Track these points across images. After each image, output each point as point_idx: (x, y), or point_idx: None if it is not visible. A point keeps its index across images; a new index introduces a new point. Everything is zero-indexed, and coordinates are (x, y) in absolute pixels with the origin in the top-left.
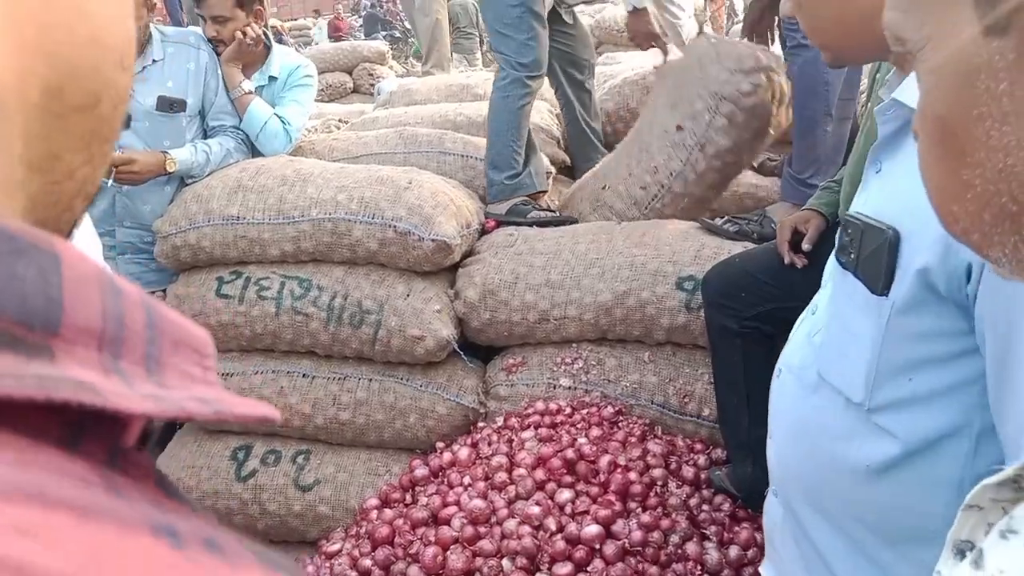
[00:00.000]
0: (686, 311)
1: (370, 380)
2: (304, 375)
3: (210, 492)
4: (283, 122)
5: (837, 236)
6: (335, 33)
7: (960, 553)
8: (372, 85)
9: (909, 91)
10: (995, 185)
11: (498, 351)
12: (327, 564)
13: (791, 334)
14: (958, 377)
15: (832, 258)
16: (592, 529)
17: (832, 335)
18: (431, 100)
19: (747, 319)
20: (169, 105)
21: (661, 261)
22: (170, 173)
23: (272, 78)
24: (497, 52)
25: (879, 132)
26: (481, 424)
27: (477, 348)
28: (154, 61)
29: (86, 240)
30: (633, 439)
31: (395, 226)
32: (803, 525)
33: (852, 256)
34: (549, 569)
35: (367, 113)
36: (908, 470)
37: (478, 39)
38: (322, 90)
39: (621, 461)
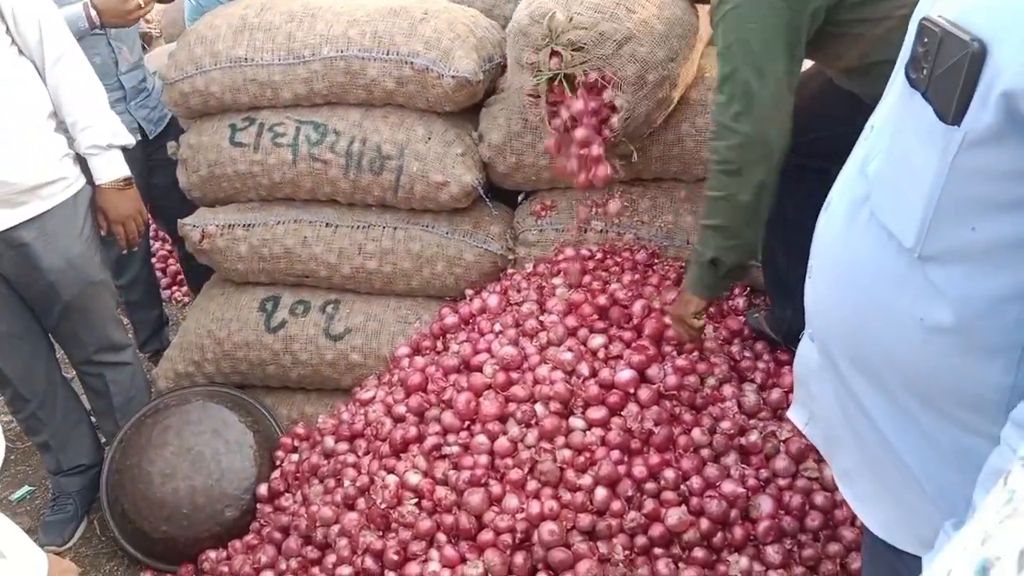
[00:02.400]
0: None
1: (395, 228)
2: (327, 224)
3: (241, 344)
4: None
5: (910, 44)
6: None
7: None
8: None
9: None
10: None
11: (526, 195)
12: (362, 411)
13: (848, 160)
14: None
15: (898, 70)
16: (626, 374)
17: (888, 165)
18: None
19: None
20: None
21: (700, 90)
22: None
23: None
24: None
25: None
26: (511, 270)
27: (504, 193)
28: None
29: (93, 94)
30: (668, 283)
31: (412, 62)
32: (841, 374)
33: (924, 72)
34: (583, 413)
35: None
36: (960, 335)
37: None
38: None
39: (655, 305)
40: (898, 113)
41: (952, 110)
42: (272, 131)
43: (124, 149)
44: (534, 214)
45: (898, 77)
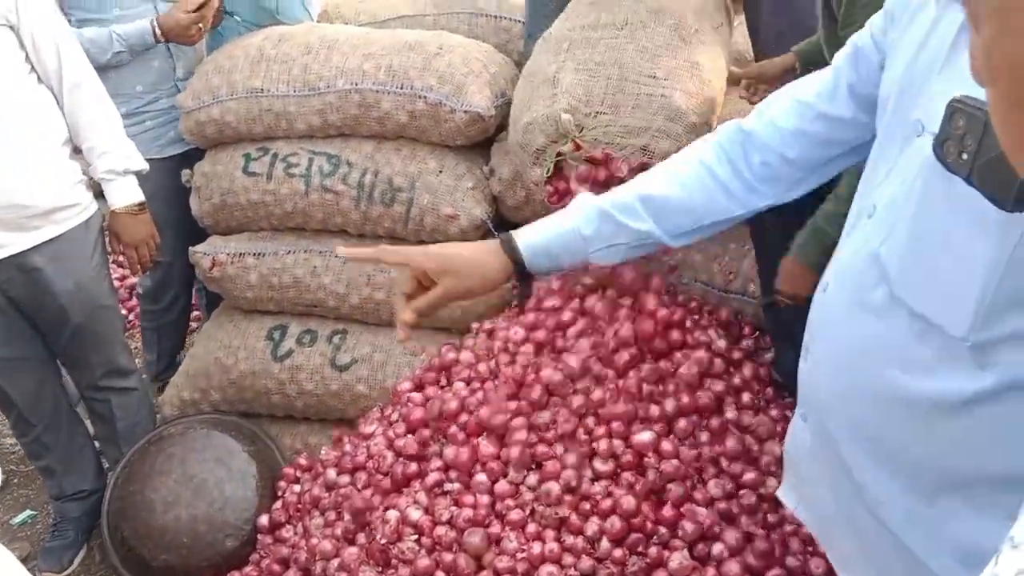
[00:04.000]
0: None
1: None
2: (337, 255)
3: (247, 372)
4: None
5: (935, 125)
6: None
7: None
8: None
9: None
10: None
11: None
12: (364, 444)
13: (841, 240)
14: None
15: (901, 150)
16: (646, 436)
17: (918, 251)
18: None
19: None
20: None
21: (712, 127)
22: None
23: None
24: None
25: None
26: (515, 305)
27: (513, 227)
28: None
29: (110, 121)
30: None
31: (425, 96)
32: (843, 459)
33: (964, 157)
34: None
35: None
36: (999, 410)
37: None
38: None
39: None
40: (923, 195)
41: (1012, 197)
42: (285, 161)
43: (138, 174)
44: None
45: (906, 158)
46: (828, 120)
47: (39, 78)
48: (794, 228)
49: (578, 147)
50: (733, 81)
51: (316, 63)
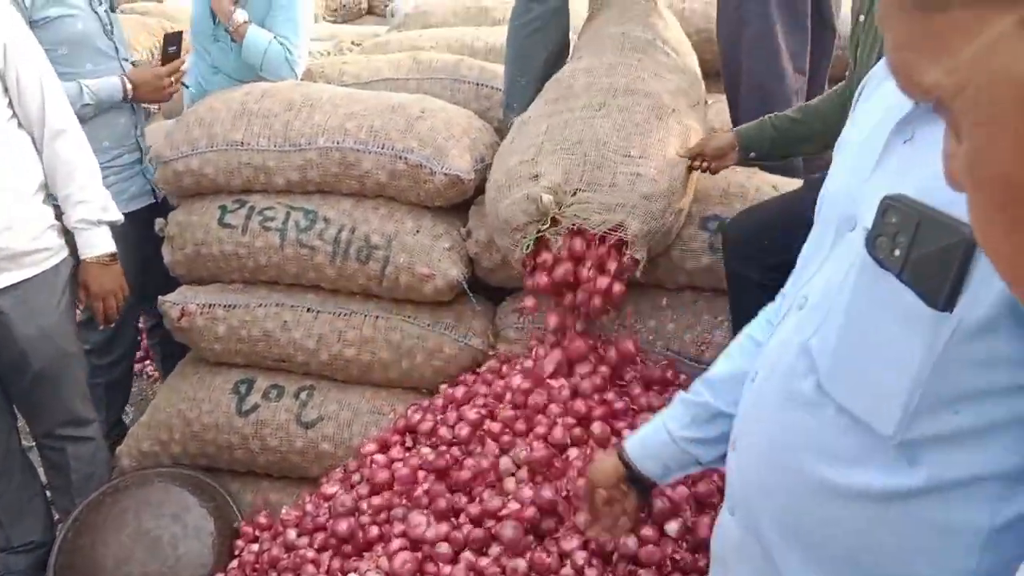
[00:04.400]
0: (710, 252)
1: (376, 317)
2: (309, 310)
3: (210, 425)
4: (284, 48)
5: (868, 220)
6: None
7: None
8: (386, 6)
9: None
10: None
11: (509, 292)
12: (325, 505)
13: (775, 329)
14: (1012, 413)
15: (834, 243)
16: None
17: (847, 346)
18: (448, 23)
19: (770, 269)
20: None
21: (685, 200)
22: None
23: None
24: None
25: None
26: (485, 368)
27: (488, 288)
28: None
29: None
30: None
31: (406, 158)
32: (770, 555)
33: (897, 253)
34: (554, 537)
35: (380, 36)
36: (926, 508)
37: None
38: (335, 10)
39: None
40: (854, 290)
41: (943, 297)
42: (262, 215)
43: (112, 225)
44: (517, 311)
45: (838, 251)
46: None
47: (19, 123)
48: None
49: (556, 223)
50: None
51: (298, 120)
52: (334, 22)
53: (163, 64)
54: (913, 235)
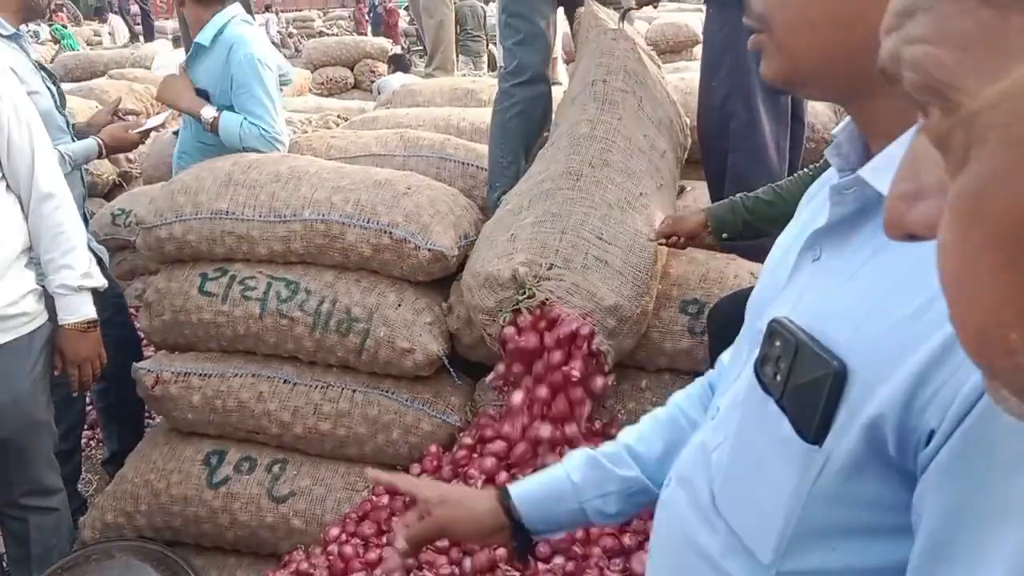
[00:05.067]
0: (689, 335)
1: (354, 391)
2: (285, 381)
3: (179, 497)
4: (256, 126)
5: (759, 341)
6: (381, 24)
7: None
8: (372, 82)
9: (883, 171)
10: None
11: (489, 368)
12: None
13: (694, 434)
14: (893, 558)
15: (748, 354)
16: None
17: (736, 466)
18: (434, 103)
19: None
20: None
21: (665, 284)
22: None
23: (200, 45)
24: None
25: (828, 212)
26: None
27: (468, 364)
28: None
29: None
30: None
31: (391, 232)
32: None
33: (778, 379)
34: None
35: (367, 111)
36: None
37: (484, 42)
38: (322, 83)
39: None
40: (745, 411)
41: (813, 429)
42: (243, 284)
43: (94, 291)
44: (496, 389)
45: (748, 366)
46: None
47: (7, 185)
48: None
49: (532, 296)
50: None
51: (284, 191)
52: (320, 95)
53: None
54: (792, 362)
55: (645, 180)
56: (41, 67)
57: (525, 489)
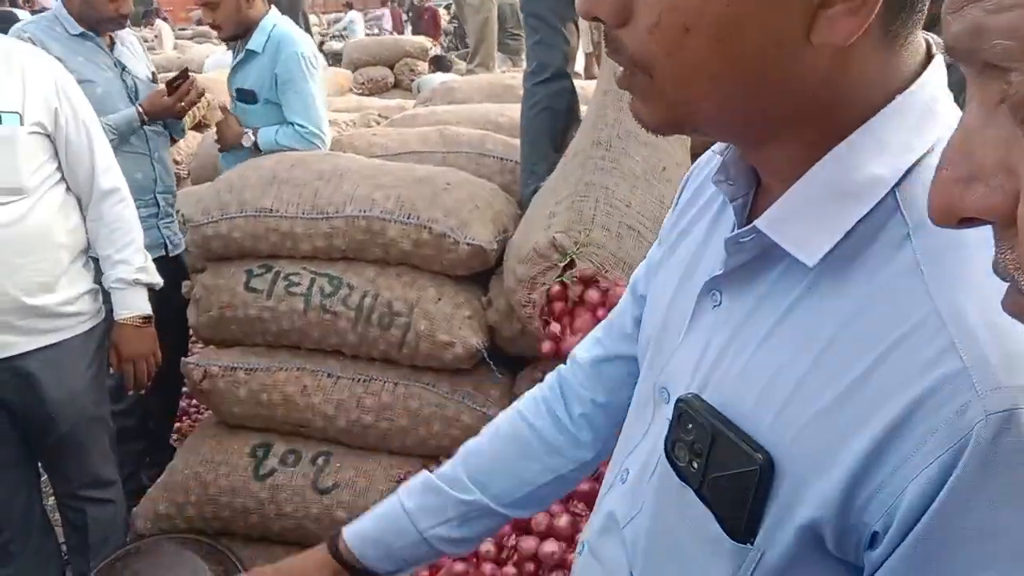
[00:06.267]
0: None
1: (395, 384)
2: (329, 375)
3: (226, 489)
4: (295, 129)
5: (663, 417)
6: (417, 21)
7: None
8: (412, 80)
9: (782, 222)
10: None
11: (528, 361)
12: None
13: (599, 498)
14: None
15: (653, 410)
16: None
17: (657, 554)
18: (472, 100)
19: None
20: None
21: None
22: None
23: (251, 52)
24: None
25: (723, 261)
26: None
27: (507, 358)
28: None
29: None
30: None
31: (431, 227)
32: None
33: (696, 467)
34: None
35: (407, 109)
36: None
37: (523, 40)
38: (363, 83)
39: None
40: (658, 489)
41: (743, 527)
42: (287, 280)
43: (150, 288)
44: (535, 381)
45: (656, 425)
46: (625, 361)
47: (67, 186)
48: None
49: (572, 265)
50: None
51: (327, 188)
52: (361, 95)
53: (170, 95)
54: (709, 452)
55: (663, 155)
56: (120, 64)
57: (359, 527)
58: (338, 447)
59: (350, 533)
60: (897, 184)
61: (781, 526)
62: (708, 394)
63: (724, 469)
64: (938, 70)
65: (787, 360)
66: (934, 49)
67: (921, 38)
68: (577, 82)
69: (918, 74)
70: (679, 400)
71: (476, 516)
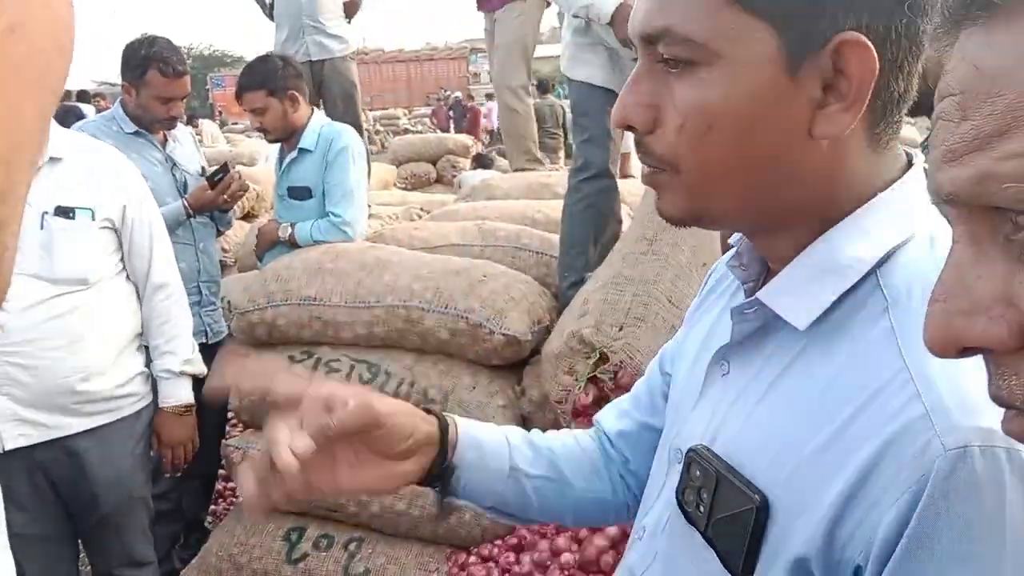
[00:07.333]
0: None
1: None
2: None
3: (259, 572)
4: (330, 221)
5: (676, 467)
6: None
7: None
8: (454, 176)
9: (780, 293)
10: None
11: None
12: None
13: (622, 560)
14: None
15: (667, 471)
16: None
17: None
18: (510, 196)
19: None
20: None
21: None
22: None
23: (304, 150)
24: None
25: (732, 330)
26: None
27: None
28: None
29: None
30: None
31: (467, 318)
32: None
33: (702, 510)
34: None
35: (448, 204)
36: None
37: (561, 139)
38: (406, 178)
39: None
40: (670, 535)
41: (741, 564)
42: (328, 366)
43: (195, 378)
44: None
45: (670, 484)
46: (652, 431)
47: (127, 275)
48: None
49: (605, 359)
50: None
51: (369, 279)
52: (404, 189)
53: (211, 188)
54: (713, 494)
55: (707, 254)
56: (171, 159)
57: (469, 427)
58: (370, 533)
59: (461, 423)
60: (878, 266)
61: (775, 563)
62: (714, 444)
63: (726, 510)
64: (917, 173)
65: (780, 415)
66: (915, 159)
67: (902, 149)
68: None
69: (898, 178)
70: (689, 450)
71: (548, 489)
